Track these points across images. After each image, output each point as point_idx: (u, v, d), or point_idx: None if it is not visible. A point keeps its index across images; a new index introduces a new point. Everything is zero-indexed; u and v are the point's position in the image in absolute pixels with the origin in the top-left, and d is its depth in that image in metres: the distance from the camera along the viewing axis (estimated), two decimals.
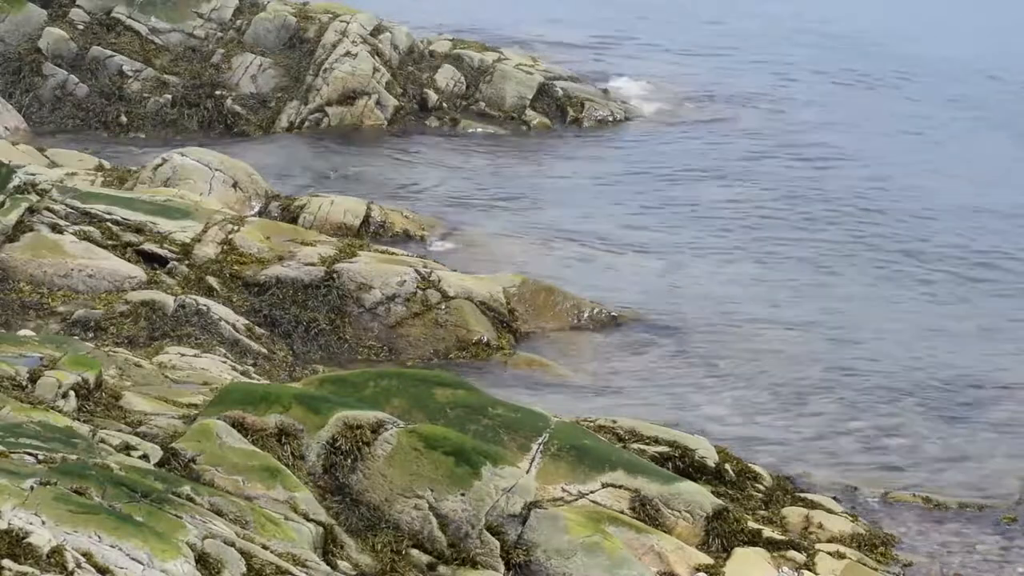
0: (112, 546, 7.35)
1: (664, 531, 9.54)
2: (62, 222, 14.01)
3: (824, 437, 12.24)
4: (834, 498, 10.92)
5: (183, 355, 11.68)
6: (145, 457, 8.75)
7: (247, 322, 13.08)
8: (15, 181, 14.29)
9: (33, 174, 15.42)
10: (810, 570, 9.63)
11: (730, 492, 10.44)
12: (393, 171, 19.74)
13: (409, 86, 21.95)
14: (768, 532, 9.91)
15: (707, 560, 9.43)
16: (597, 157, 20.85)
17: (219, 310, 12.91)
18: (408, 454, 9.16)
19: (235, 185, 16.63)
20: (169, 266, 13.81)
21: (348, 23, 21.84)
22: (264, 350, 12.73)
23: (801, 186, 19.54)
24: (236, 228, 14.46)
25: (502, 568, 8.83)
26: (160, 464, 8.71)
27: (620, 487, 9.71)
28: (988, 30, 30.34)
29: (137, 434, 9.21)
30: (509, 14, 28.92)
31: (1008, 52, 28.02)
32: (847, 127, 22.76)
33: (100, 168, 17.41)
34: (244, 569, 7.70)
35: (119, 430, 9.21)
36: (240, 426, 9.21)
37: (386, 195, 18.25)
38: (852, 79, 26.10)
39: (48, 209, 14.16)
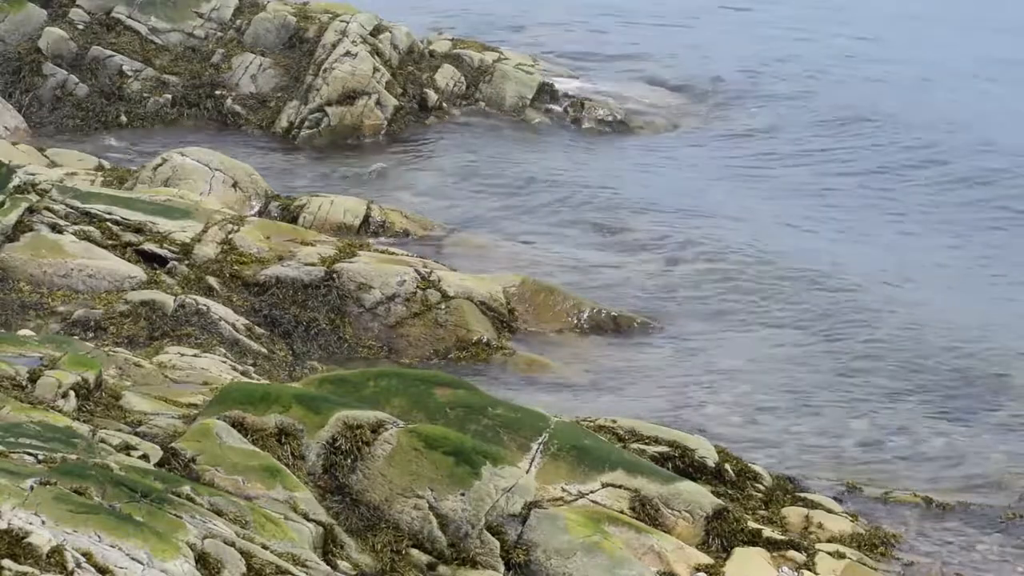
0: (112, 546, 7.35)
1: (664, 531, 9.54)
2: (62, 222, 14.01)
3: (824, 437, 12.24)
4: (834, 498, 10.92)
5: (183, 355, 11.67)
6: (145, 457, 8.75)
7: (247, 322, 13.08)
8: (15, 181, 14.29)
9: (33, 174, 15.42)
10: (810, 570, 9.63)
11: (730, 492, 10.43)
12: (393, 171, 19.74)
13: (409, 86, 21.95)
14: (768, 532, 9.91)
15: (707, 560, 9.43)
16: (597, 156, 20.85)
17: (219, 310, 12.91)
18: (408, 454, 9.16)
19: (235, 185, 16.64)
20: (169, 266, 13.82)
21: (348, 23, 21.83)
22: (264, 350, 12.73)
23: (801, 185, 19.55)
24: (236, 228, 14.46)
25: (502, 568, 8.84)
26: (160, 464, 8.71)
27: (620, 487, 9.71)
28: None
29: (137, 434, 9.21)
30: (507, 13, 28.93)
31: None
32: (855, 125, 22.67)
33: (100, 168, 17.41)
34: (244, 569, 7.70)
35: (119, 430, 9.20)
36: (240, 426, 9.21)
37: (386, 195, 18.26)
38: (871, 76, 26.05)
39: (48, 209, 14.17)
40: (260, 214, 16.24)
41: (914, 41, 28.66)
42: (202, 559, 7.57)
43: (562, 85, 23.02)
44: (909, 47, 28.03)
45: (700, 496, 9.83)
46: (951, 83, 25.56)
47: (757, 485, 10.73)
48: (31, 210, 14.00)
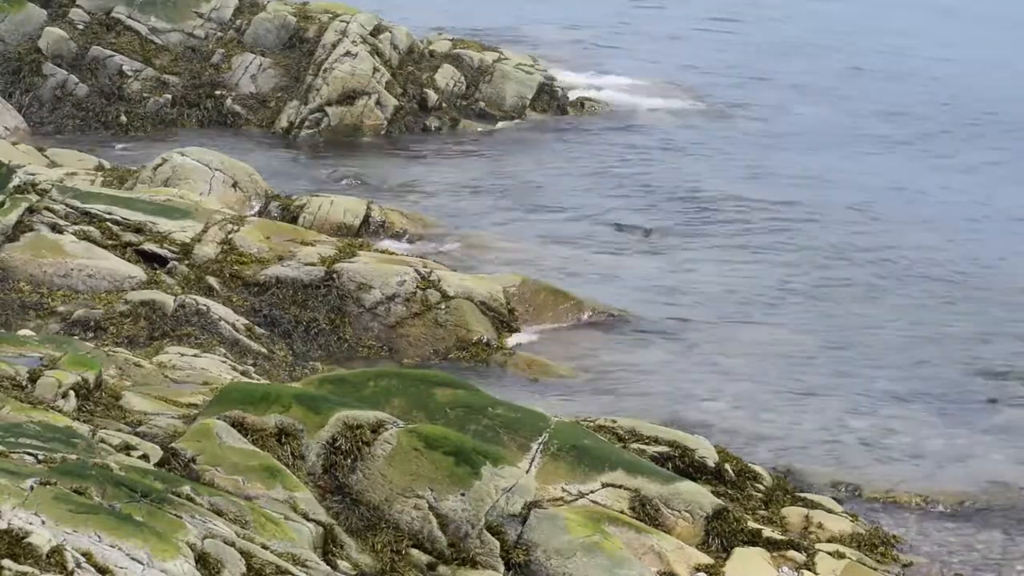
0: (112, 546, 7.34)
1: (664, 531, 9.54)
2: (62, 222, 14.01)
3: (824, 437, 12.23)
4: (834, 498, 10.92)
5: (183, 355, 11.67)
6: (145, 457, 8.75)
7: (247, 322, 13.08)
8: (15, 181, 14.29)
9: (33, 174, 15.43)
10: (810, 570, 9.63)
11: (730, 492, 10.43)
12: (393, 171, 19.74)
13: (409, 86, 21.96)
14: (768, 532, 9.91)
15: (707, 560, 9.43)
16: (597, 156, 20.84)
17: (219, 310, 12.91)
18: (408, 454, 9.15)
19: (235, 185, 16.63)
20: (169, 266, 13.81)
21: (348, 23, 21.84)
22: (264, 350, 12.73)
23: (802, 185, 19.54)
24: (236, 228, 14.46)
25: (502, 568, 8.83)
26: (160, 464, 8.71)
27: (620, 487, 9.71)
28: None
29: (137, 434, 9.20)
30: (505, 12, 28.93)
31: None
32: (848, 129, 22.75)
33: (100, 168, 17.41)
34: (244, 569, 7.69)
35: (119, 430, 9.20)
36: (240, 426, 9.20)
37: (386, 195, 18.26)
38: (853, 77, 26.09)
39: (48, 209, 14.16)
40: (260, 214, 16.23)
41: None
42: (202, 559, 7.56)
43: (562, 85, 23.04)
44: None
45: (700, 496, 9.83)
46: None
47: (757, 485, 10.73)
48: (31, 210, 14.00)
